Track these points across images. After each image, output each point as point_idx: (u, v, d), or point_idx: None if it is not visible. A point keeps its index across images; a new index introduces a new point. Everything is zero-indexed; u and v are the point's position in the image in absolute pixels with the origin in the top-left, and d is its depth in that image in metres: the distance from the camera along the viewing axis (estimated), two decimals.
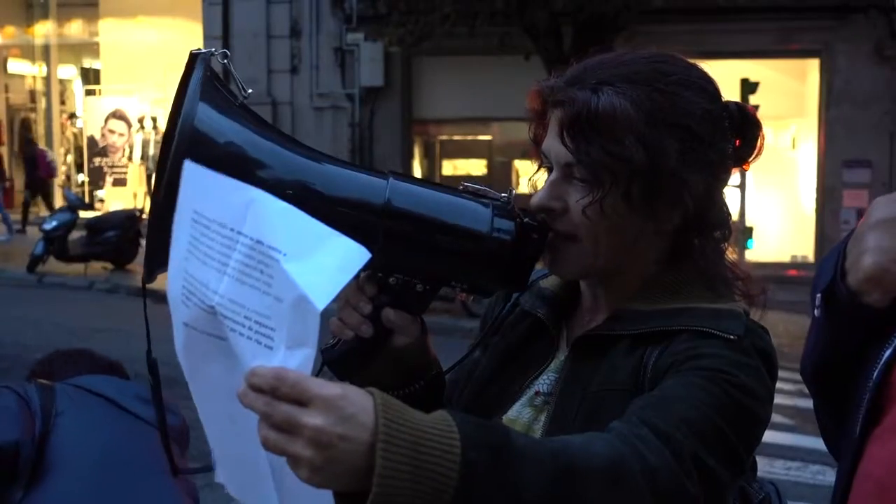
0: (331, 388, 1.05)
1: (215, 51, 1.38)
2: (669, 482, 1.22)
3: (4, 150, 21.41)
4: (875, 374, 1.29)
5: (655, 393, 1.36)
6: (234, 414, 1.13)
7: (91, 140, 20.06)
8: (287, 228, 1.10)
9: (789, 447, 7.43)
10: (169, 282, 1.20)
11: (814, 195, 16.45)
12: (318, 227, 1.10)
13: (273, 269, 1.08)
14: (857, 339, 1.33)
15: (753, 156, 1.56)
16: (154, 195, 1.36)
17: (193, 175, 1.16)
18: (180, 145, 1.25)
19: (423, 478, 1.06)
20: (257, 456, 1.16)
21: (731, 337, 1.40)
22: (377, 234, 1.38)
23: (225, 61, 1.40)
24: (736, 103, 1.55)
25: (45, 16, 21.41)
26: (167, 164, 1.26)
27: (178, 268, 1.18)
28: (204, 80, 1.30)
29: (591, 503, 1.16)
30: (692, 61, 1.53)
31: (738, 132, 1.53)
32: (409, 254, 1.44)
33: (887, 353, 1.29)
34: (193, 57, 1.34)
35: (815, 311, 1.38)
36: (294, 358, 1.07)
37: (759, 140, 1.56)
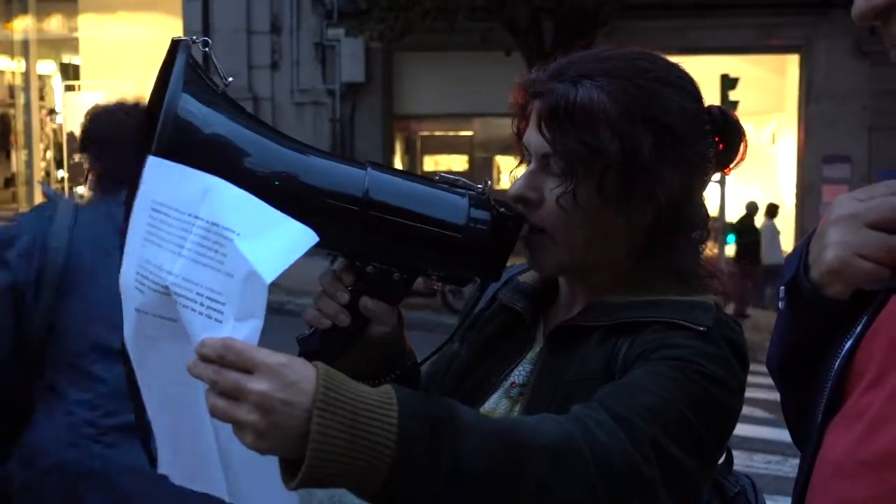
0: (275, 357, 1.10)
1: (196, 38, 1.38)
2: (622, 464, 1.22)
3: None
4: (836, 364, 1.32)
5: (621, 381, 1.36)
6: (181, 397, 1.17)
7: (71, 136, 19.89)
8: (241, 212, 1.15)
9: (769, 441, 7.49)
10: (123, 271, 1.23)
11: (794, 191, 16.54)
12: (271, 211, 1.16)
13: (227, 248, 1.13)
14: (820, 331, 1.36)
15: (735, 161, 1.58)
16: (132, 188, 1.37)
17: (155, 168, 1.21)
18: (163, 134, 1.25)
19: (359, 446, 1.09)
20: (205, 438, 1.20)
21: (701, 328, 1.41)
22: (355, 223, 1.39)
23: (206, 49, 1.40)
24: (719, 107, 1.56)
25: (23, 11, 21.27)
26: (150, 153, 1.26)
27: (133, 255, 1.22)
28: (187, 68, 1.30)
29: (534, 479, 1.17)
30: (673, 61, 1.55)
31: (721, 136, 1.55)
32: (387, 243, 1.45)
33: (847, 344, 1.32)
34: (175, 44, 1.33)
35: (780, 304, 1.41)
36: (243, 329, 1.11)
37: (741, 145, 1.57)
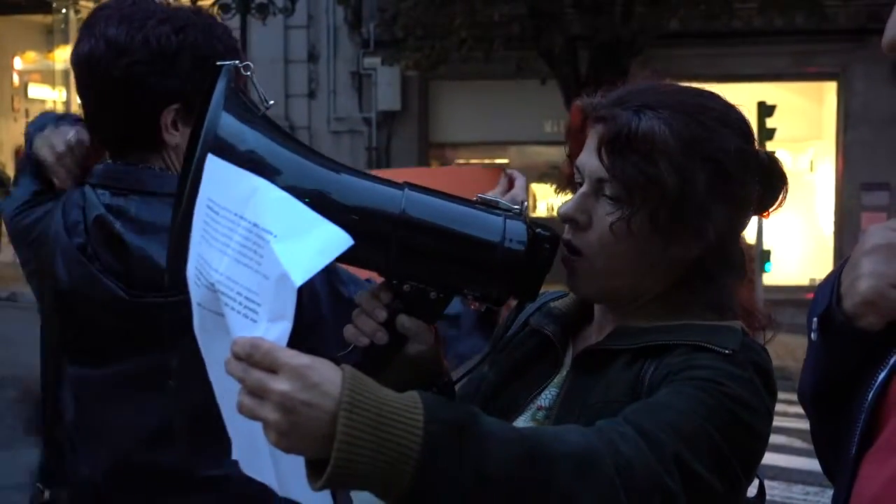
0: (300, 359, 1.13)
1: (239, 63, 1.44)
2: (645, 477, 1.23)
3: None
4: (870, 396, 1.31)
5: (646, 400, 1.38)
6: (233, 388, 1.20)
7: None
8: (281, 213, 1.19)
9: (808, 472, 7.39)
10: (188, 266, 1.29)
11: (832, 218, 16.41)
12: (309, 213, 1.19)
13: (264, 250, 1.16)
14: (853, 362, 1.35)
15: (775, 206, 1.60)
16: (177, 202, 1.43)
17: (213, 167, 1.26)
18: (203, 153, 1.29)
19: (384, 448, 1.11)
20: (257, 432, 1.23)
21: (726, 351, 1.42)
22: (392, 242, 1.42)
23: (248, 73, 1.46)
24: (767, 153, 1.58)
25: (65, 41, 21.53)
26: (190, 174, 1.31)
27: (194, 251, 1.27)
28: (228, 90, 1.35)
29: (555, 487, 1.18)
30: (732, 103, 1.57)
31: (764, 180, 1.56)
32: (424, 262, 1.47)
33: (882, 375, 1.31)
34: (218, 68, 1.38)
35: (812, 336, 1.40)
36: (274, 330, 1.15)
37: (782, 191, 1.59)
